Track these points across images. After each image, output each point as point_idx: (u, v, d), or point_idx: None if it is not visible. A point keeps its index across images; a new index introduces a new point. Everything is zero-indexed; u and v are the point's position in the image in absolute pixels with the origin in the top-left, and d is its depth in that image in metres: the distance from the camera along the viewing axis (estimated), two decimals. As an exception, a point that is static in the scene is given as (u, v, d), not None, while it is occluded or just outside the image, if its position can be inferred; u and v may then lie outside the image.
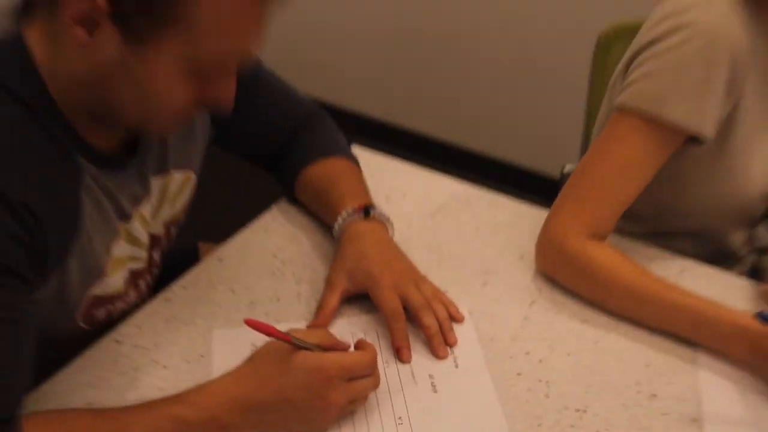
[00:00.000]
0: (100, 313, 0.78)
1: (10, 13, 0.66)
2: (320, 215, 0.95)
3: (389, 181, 1.04)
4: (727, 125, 0.93)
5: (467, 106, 2.43)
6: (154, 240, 0.83)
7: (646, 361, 0.81)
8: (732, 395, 0.78)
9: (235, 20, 0.62)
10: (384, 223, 0.89)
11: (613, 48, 1.33)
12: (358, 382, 0.70)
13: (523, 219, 1.01)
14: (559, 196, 0.93)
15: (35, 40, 0.65)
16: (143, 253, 0.81)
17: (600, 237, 0.90)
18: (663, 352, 0.82)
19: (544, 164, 2.22)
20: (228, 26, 0.62)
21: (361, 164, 1.00)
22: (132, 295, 0.82)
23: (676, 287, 0.86)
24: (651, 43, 0.91)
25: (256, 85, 0.92)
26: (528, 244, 0.94)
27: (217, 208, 1.00)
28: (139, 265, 0.81)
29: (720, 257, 1.07)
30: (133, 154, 0.76)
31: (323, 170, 0.95)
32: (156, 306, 0.84)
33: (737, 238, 1.09)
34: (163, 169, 0.81)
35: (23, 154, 0.63)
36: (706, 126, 0.87)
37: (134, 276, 0.80)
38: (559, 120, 2.01)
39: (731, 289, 0.92)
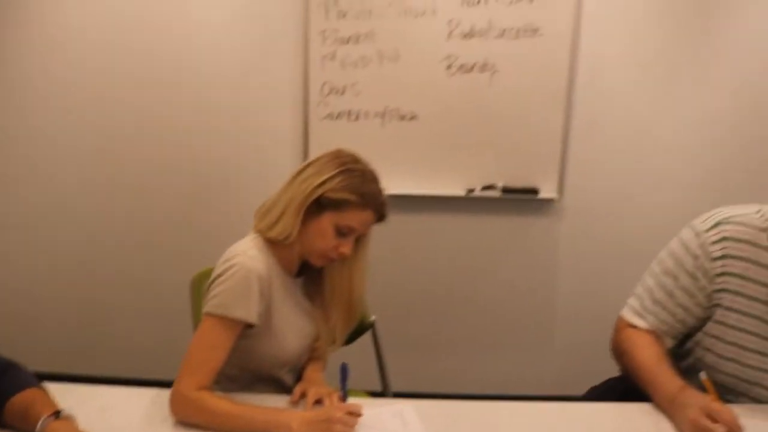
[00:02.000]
0: None
1: None
2: (25, 428, 1.30)
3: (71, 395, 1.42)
4: (267, 316, 1.49)
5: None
6: None
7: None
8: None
9: None
10: (71, 419, 1.31)
11: (202, 284, 1.78)
12: None
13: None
14: (178, 370, 1.41)
15: None
16: None
17: (205, 388, 1.38)
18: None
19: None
20: None
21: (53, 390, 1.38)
22: None
23: (254, 408, 1.36)
24: (217, 276, 1.44)
25: None
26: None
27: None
28: None
29: (280, 389, 1.66)
30: None
31: (22, 398, 1.33)
32: None
33: (290, 378, 1.70)
34: None
35: None
36: (253, 317, 1.44)
37: None
38: (174, 333, 2.75)
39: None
